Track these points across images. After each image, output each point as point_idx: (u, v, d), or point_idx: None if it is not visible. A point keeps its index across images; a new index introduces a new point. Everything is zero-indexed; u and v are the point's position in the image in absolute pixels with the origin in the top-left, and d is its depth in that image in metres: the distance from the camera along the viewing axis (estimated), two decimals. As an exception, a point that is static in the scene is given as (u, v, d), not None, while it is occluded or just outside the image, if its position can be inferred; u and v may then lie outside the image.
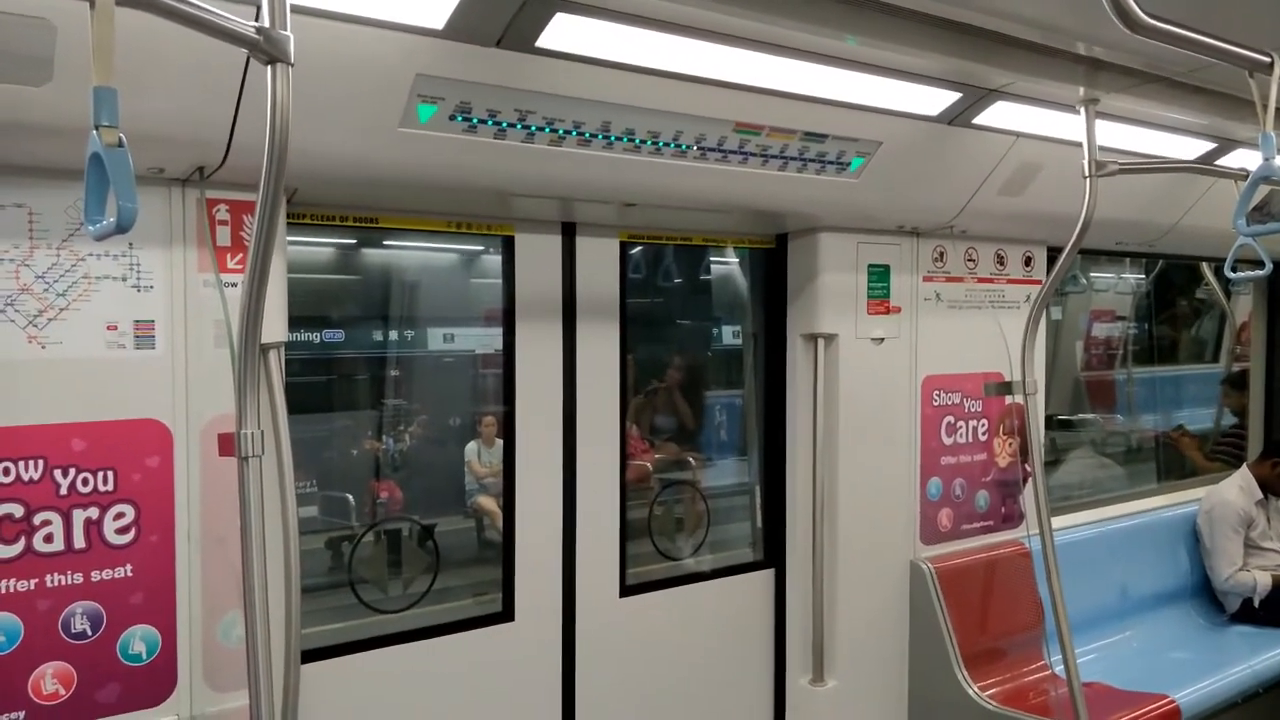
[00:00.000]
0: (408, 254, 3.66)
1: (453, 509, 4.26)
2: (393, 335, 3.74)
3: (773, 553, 3.94)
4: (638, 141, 2.72)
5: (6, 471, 2.19)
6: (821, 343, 3.74)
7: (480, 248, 3.62)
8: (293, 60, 1.57)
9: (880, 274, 3.81)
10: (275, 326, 2.48)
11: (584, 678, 3.46)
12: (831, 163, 3.11)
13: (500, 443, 3.48)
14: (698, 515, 4.11)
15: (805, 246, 3.73)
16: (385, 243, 3.48)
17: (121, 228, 1.31)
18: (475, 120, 2.45)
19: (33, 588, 2.23)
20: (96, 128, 1.32)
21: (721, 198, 3.17)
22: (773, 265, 3.89)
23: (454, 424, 4.17)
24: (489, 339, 3.53)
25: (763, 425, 4.01)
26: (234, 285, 2.40)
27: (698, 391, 4.43)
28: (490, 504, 4.19)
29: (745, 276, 4.11)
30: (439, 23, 2.18)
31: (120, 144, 1.30)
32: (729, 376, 4.43)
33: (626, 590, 3.58)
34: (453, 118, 2.42)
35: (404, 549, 3.64)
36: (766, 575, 3.93)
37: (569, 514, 3.43)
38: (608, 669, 3.51)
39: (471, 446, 4.25)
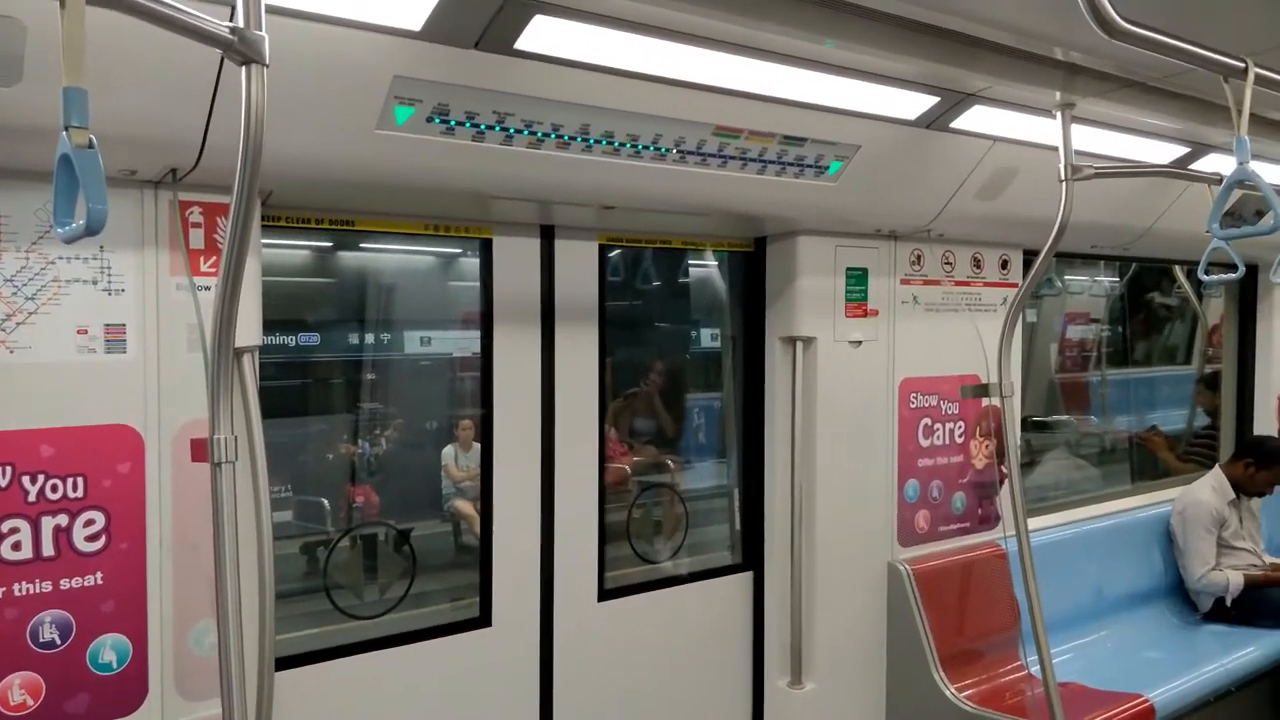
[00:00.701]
0: (384, 257, 3.63)
1: (429, 513, 4.23)
2: (369, 338, 3.71)
3: (751, 556, 3.93)
4: (617, 144, 2.71)
5: None
6: (800, 345, 3.74)
7: (458, 250, 3.60)
8: (268, 61, 1.55)
9: (858, 277, 3.82)
10: (249, 330, 2.45)
11: (562, 683, 3.44)
12: (810, 166, 3.11)
13: (478, 446, 3.45)
14: (676, 518, 4.11)
15: (784, 250, 3.74)
16: (361, 245, 3.46)
17: (91, 230, 1.29)
18: (453, 122, 2.43)
19: (0, 597, 2.18)
20: (66, 128, 1.30)
21: (700, 201, 3.16)
22: (751, 268, 3.89)
23: (431, 428, 4.14)
24: (466, 342, 3.51)
25: (741, 428, 4.01)
26: (207, 289, 2.37)
27: (676, 394, 4.42)
28: (467, 508, 4.16)
29: (724, 279, 4.11)
30: (416, 24, 2.16)
31: (91, 145, 1.28)
32: (708, 379, 4.43)
33: (605, 594, 3.56)
34: (430, 120, 2.40)
35: (380, 554, 3.61)
36: (745, 578, 3.93)
37: (547, 518, 3.41)
38: (586, 674, 3.49)
39: (448, 450, 4.21)
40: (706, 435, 4.46)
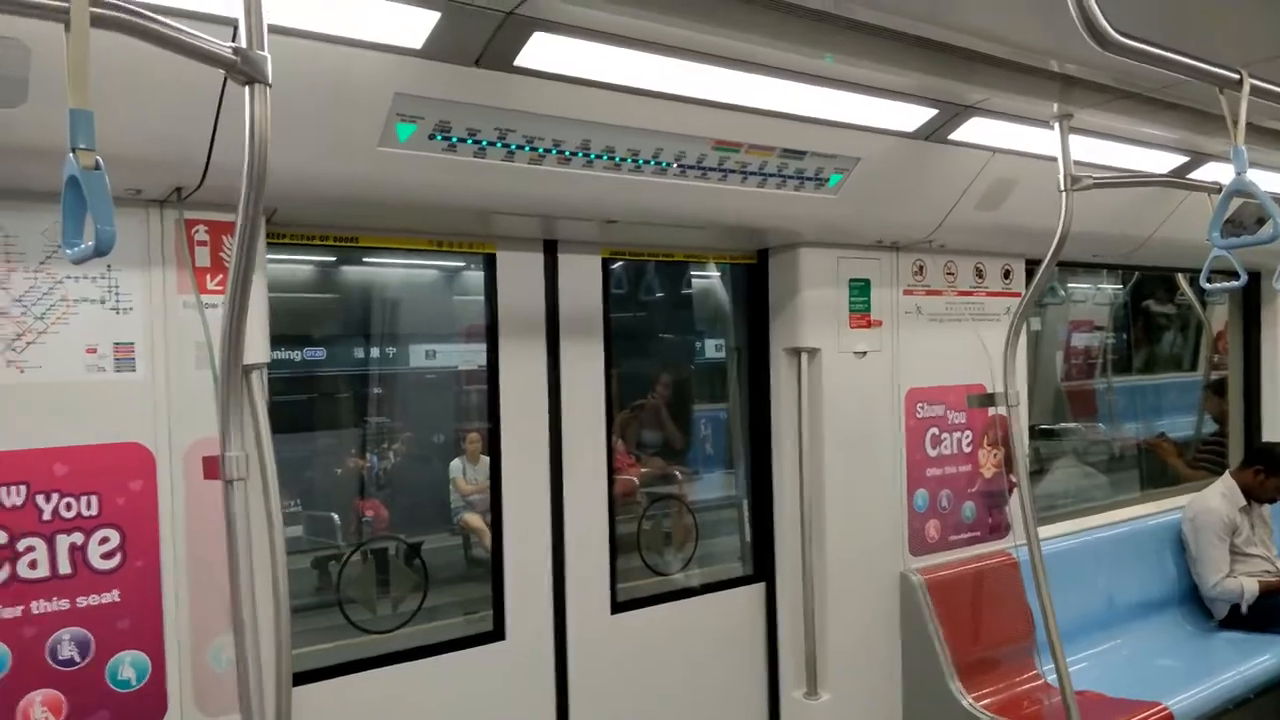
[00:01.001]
0: (388, 271, 3.65)
1: (439, 527, 4.23)
2: (374, 353, 3.72)
3: (763, 567, 3.93)
4: (617, 159, 2.73)
5: None
6: (805, 357, 3.75)
7: (460, 264, 3.61)
8: (271, 81, 1.57)
9: (861, 288, 3.83)
10: (257, 348, 2.46)
11: (577, 695, 3.44)
12: (810, 179, 3.13)
13: (485, 459, 3.46)
14: (685, 529, 4.11)
15: (786, 261, 3.75)
16: (365, 260, 3.47)
17: (100, 251, 1.31)
18: (455, 139, 2.46)
19: (19, 615, 2.19)
20: (73, 150, 1.32)
21: (701, 214, 3.18)
22: (754, 280, 3.90)
23: (438, 441, 4.15)
24: (471, 355, 3.52)
25: (748, 439, 4.01)
26: (215, 306, 2.39)
27: (682, 406, 4.43)
28: (477, 521, 4.17)
29: (727, 291, 4.13)
30: (417, 42, 2.19)
31: (97, 166, 1.30)
32: (713, 390, 4.44)
33: (618, 607, 3.55)
34: (432, 137, 2.43)
35: (391, 568, 3.61)
36: (757, 589, 3.92)
37: (557, 531, 3.41)
38: (601, 686, 3.48)
39: (456, 464, 4.22)
40: (713, 446, 4.47)
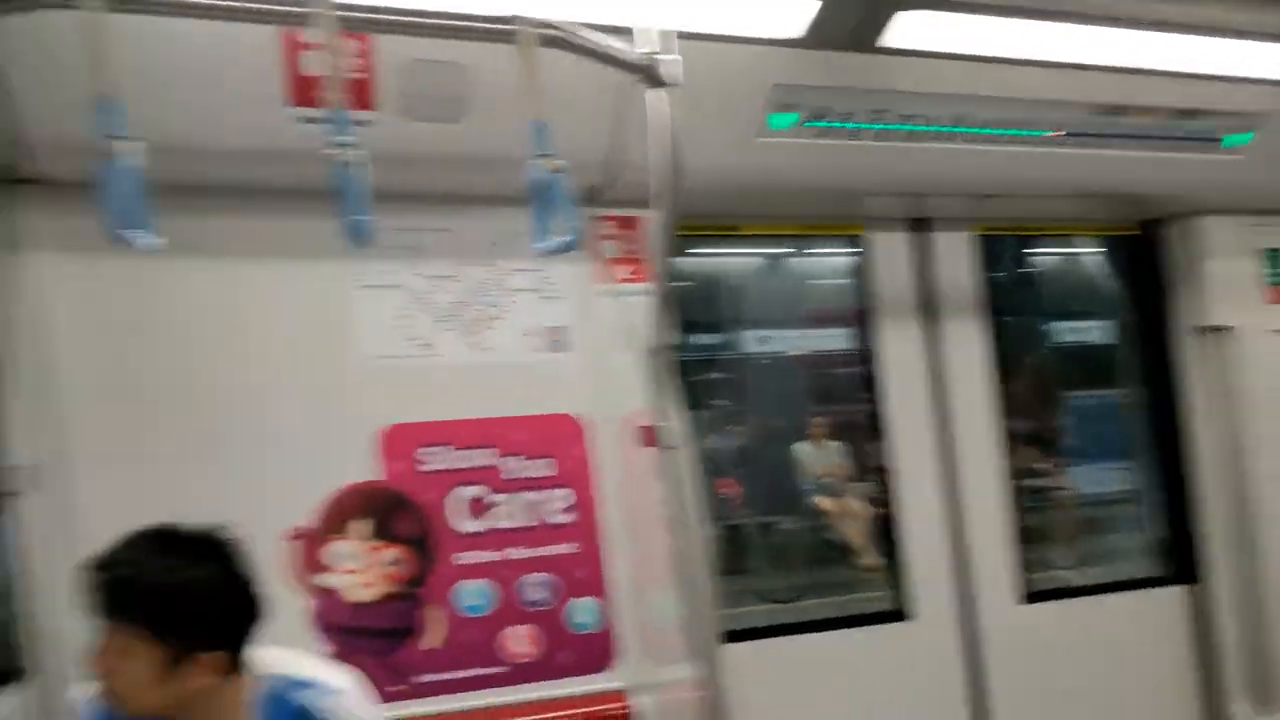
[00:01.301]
0: (722, 261, 3.74)
1: (789, 507, 4.33)
2: (716, 339, 3.85)
3: (1183, 568, 3.61)
4: (992, 131, 2.69)
5: (469, 459, 2.51)
6: (1215, 336, 3.43)
7: (789, 250, 3.61)
8: (681, 83, 1.74)
9: (1276, 258, 3.46)
10: (669, 331, 2.62)
11: (992, 682, 3.32)
12: (1208, 140, 2.90)
13: (829, 443, 3.47)
14: (1075, 524, 3.89)
15: (1184, 232, 3.45)
16: (690, 251, 3.53)
17: (569, 246, 1.52)
18: (829, 124, 2.54)
19: (498, 559, 2.53)
20: (537, 158, 1.54)
21: (1084, 183, 3.05)
22: (1139, 253, 3.61)
23: (778, 424, 4.23)
24: (816, 340, 3.52)
25: (1150, 428, 3.70)
26: (627, 294, 2.61)
27: (1060, 390, 4.16)
28: (830, 504, 4.23)
29: (1108, 266, 3.83)
30: (798, 31, 2.28)
31: (560, 171, 1.52)
32: (1082, 374, 4.15)
33: (1030, 597, 3.40)
34: (807, 123, 2.52)
35: (757, 544, 3.73)
36: (1177, 592, 3.60)
37: (953, 514, 3.31)
38: (1014, 675, 3.33)
39: (803, 447, 4.29)
40: (1097, 435, 4.15)
